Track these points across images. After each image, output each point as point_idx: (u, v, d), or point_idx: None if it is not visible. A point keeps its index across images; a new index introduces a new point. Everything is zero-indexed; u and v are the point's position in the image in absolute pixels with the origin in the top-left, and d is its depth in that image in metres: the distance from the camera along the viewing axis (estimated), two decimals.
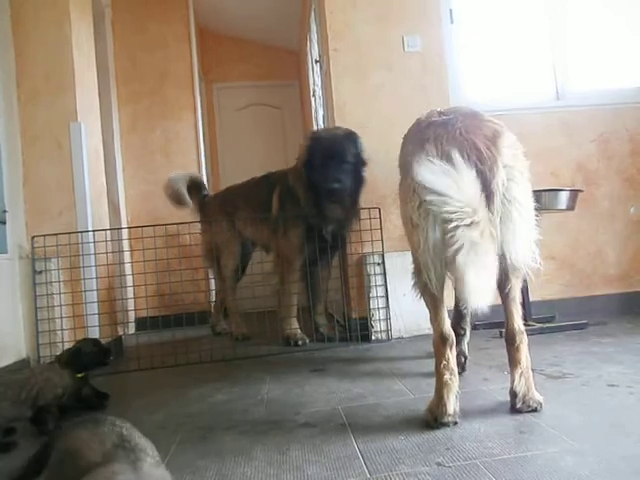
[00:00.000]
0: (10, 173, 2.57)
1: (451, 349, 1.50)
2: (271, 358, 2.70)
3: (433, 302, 1.55)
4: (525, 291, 2.85)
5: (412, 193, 1.47)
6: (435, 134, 1.54)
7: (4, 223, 2.40)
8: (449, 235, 1.27)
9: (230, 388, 2.12)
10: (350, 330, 2.92)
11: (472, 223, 1.28)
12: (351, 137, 2.82)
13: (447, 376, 1.47)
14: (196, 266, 3.46)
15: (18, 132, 2.73)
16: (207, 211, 3.54)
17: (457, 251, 1.25)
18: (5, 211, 2.42)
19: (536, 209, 3.06)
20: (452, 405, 1.45)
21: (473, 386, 1.83)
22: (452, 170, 1.32)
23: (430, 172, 1.31)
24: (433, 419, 1.45)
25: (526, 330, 2.72)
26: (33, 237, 2.68)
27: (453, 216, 1.27)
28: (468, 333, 2.15)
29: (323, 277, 3.15)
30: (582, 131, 3.30)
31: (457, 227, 1.27)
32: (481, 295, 1.27)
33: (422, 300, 1.61)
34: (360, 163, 2.82)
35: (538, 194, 3.02)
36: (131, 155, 4.45)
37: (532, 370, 1.96)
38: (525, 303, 2.85)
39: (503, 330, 2.65)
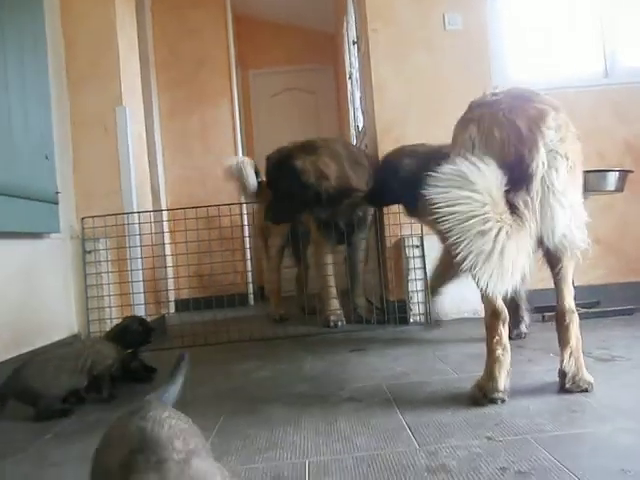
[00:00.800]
0: (61, 156, 2.67)
1: (504, 325, 1.49)
2: (310, 338, 2.74)
3: None
4: None
5: None
6: (480, 114, 1.54)
7: (57, 204, 2.50)
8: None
9: (273, 365, 2.16)
10: (388, 312, 2.93)
11: (484, 231, 1.28)
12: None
13: (499, 352, 1.46)
14: (234, 248, 3.53)
15: (68, 117, 2.83)
16: (263, 194, 3.59)
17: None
18: (58, 192, 2.52)
19: (584, 190, 2.93)
20: (502, 382, 1.45)
21: (518, 367, 1.80)
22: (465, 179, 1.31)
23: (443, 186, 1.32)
24: (482, 395, 1.45)
25: None
26: (83, 218, 2.79)
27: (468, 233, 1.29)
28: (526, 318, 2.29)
29: (356, 260, 3.16)
30: (632, 109, 3.16)
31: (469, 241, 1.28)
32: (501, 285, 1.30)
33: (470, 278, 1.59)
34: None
35: (585, 175, 2.93)
36: (170, 140, 4.55)
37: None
38: None
39: (546, 314, 2.64)
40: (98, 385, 1.81)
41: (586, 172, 2.87)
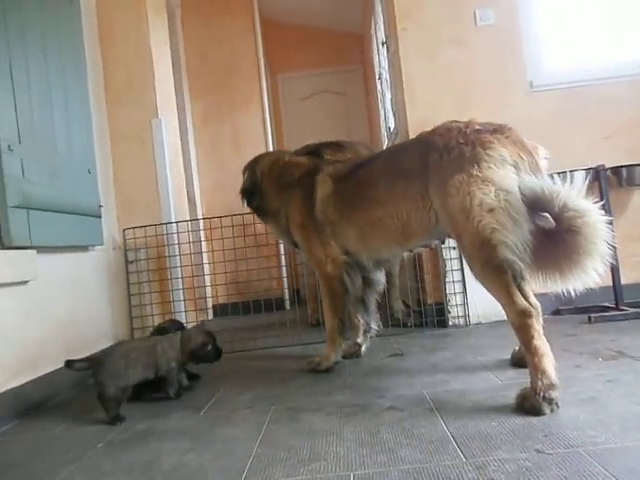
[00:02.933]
0: (103, 170, 2.77)
1: (537, 319, 1.51)
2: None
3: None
4: (616, 275, 2.68)
5: None
6: None
7: (100, 217, 2.60)
8: None
9: (312, 371, 2.17)
10: (425, 315, 2.89)
11: None
12: None
13: (544, 347, 1.47)
14: (270, 254, 3.56)
15: (107, 131, 2.93)
16: None
17: None
18: (101, 206, 2.61)
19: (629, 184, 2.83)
20: (555, 377, 1.44)
21: (565, 373, 1.75)
22: None
23: None
24: (539, 397, 1.40)
25: (618, 315, 2.59)
26: (124, 230, 2.89)
27: None
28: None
29: (392, 263, 3.13)
30: None
31: None
32: None
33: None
34: None
35: (630, 169, 2.81)
36: (203, 148, 4.63)
37: (632, 357, 1.86)
38: (616, 288, 2.68)
39: (593, 315, 2.54)
40: (163, 384, 1.92)
41: (632, 166, 2.78)
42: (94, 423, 1.73)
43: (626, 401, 1.43)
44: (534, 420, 1.36)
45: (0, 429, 1.78)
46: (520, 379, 1.74)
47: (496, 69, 3.04)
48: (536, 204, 1.49)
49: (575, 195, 1.43)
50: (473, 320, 2.82)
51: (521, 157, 1.61)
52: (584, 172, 2.77)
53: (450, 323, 2.85)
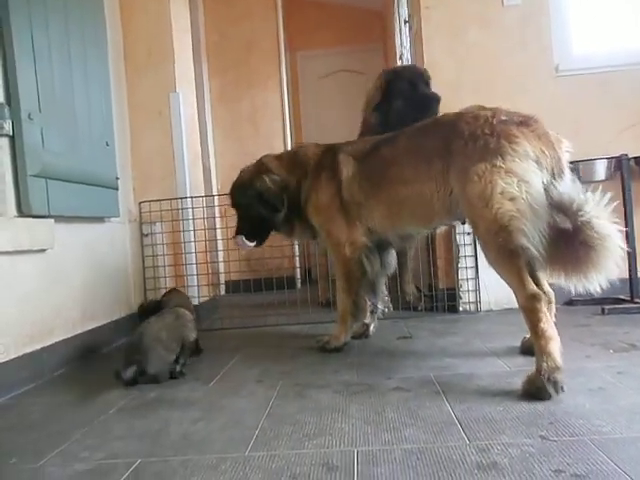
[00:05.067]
0: (120, 142, 2.78)
1: (547, 305, 1.59)
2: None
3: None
4: (633, 268, 2.63)
5: None
6: None
7: (117, 189, 2.62)
8: None
9: (320, 350, 2.19)
10: (437, 300, 2.89)
11: None
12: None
13: (551, 330, 1.49)
14: None
15: (125, 104, 2.93)
16: None
17: None
18: (117, 178, 2.63)
19: None
20: (561, 360, 1.45)
21: (575, 363, 1.74)
22: None
23: None
24: (544, 378, 1.42)
25: (633, 308, 2.55)
26: (140, 202, 2.92)
27: None
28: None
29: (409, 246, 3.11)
30: None
31: None
32: None
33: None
34: None
35: None
36: (220, 125, 4.62)
37: None
38: (632, 280, 2.63)
39: (606, 307, 2.51)
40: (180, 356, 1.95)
41: None
42: (107, 390, 1.77)
43: (635, 393, 1.42)
44: (540, 407, 1.36)
45: (15, 393, 1.84)
46: (528, 366, 1.72)
47: (521, 51, 2.96)
48: (560, 209, 1.54)
49: (601, 215, 1.48)
50: (484, 307, 2.81)
51: (544, 152, 1.64)
52: (606, 161, 2.71)
53: (461, 309, 2.84)
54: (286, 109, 4.75)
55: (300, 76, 5.72)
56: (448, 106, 2.92)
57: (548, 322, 1.50)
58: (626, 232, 2.69)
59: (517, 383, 1.54)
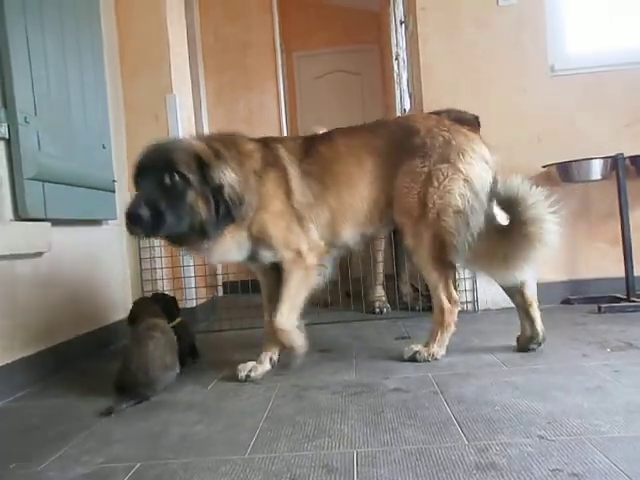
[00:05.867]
0: (117, 144, 2.78)
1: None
2: (354, 324, 2.76)
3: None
4: (629, 266, 2.64)
5: None
6: None
7: (114, 192, 2.62)
8: None
9: (318, 351, 2.19)
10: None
11: None
12: None
13: (453, 329, 1.92)
14: None
15: (122, 106, 2.93)
16: None
17: None
18: (114, 181, 2.63)
19: None
20: (444, 351, 1.91)
21: (572, 362, 1.75)
22: None
23: None
24: (430, 355, 1.88)
25: (629, 306, 2.57)
26: None
27: None
28: None
29: (402, 246, 3.12)
30: None
31: None
32: None
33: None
34: None
35: None
36: (217, 126, 4.60)
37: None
38: (628, 279, 2.65)
39: (603, 305, 2.53)
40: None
41: None
42: (106, 393, 1.77)
43: (632, 392, 1.43)
44: (538, 406, 1.37)
45: (14, 396, 1.83)
46: (526, 365, 1.75)
47: (516, 51, 2.98)
48: (505, 206, 1.77)
49: (542, 212, 1.68)
50: (482, 306, 2.82)
51: (490, 155, 1.83)
52: (602, 160, 2.73)
53: (458, 308, 2.84)
54: (282, 110, 4.75)
55: (296, 76, 5.73)
56: (444, 107, 2.94)
57: (454, 321, 1.89)
58: (622, 231, 2.74)
59: (516, 382, 1.56)
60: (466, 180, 1.77)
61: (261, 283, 2.06)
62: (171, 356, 1.77)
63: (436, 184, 1.77)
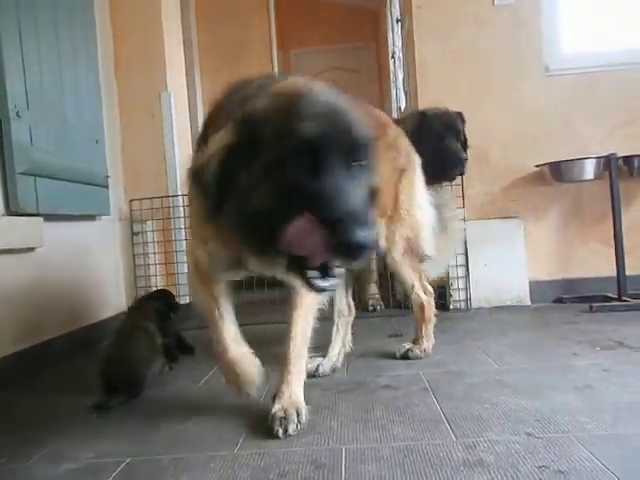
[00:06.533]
0: (111, 141, 2.77)
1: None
2: None
3: None
4: (620, 266, 2.66)
5: None
6: None
7: (107, 187, 2.61)
8: None
9: (312, 349, 2.19)
10: None
11: None
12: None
13: (434, 319, 2.02)
14: None
15: (116, 102, 2.92)
16: None
17: None
18: (108, 176, 2.62)
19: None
20: (431, 347, 1.99)
21: (562, 360, 1.76)
22: None
23: None
24: (422, 351, 1.95)
25: (620, 306, 2.58)
26: (131, 201, 2.90)
27: None
28: None
29: None
30: None
31: None
32: None
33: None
34: None
35: None
36: None
37: (631, 347, 1.86)
38: (619, 278, 2.66)
39: (594, 305, 2.54)
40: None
41: None
42: (97, 389, 1.76)
43: (620, 390, 1.44)
44: (527, 404, 1.37)
45: (4, 392, 1.83)
46: (517, 364, 1.76)
47: (512, 51, 2.98)
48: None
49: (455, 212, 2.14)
50: (475, 304, 2.83)
51: None
52: (595, 160, 2.74)
53: (451, 307, 2.86)
54: None
55: (294, 74, 5.71)
56: (441, 106, 2.95)
57: (434, 312, 1.98)
58: (614, 231, 2.74)
59: (506, 381, 1.57)
60: (419, 178, 2.04)
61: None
62: (151, 352, 1.80)
63: (400, 188, 1.95)
